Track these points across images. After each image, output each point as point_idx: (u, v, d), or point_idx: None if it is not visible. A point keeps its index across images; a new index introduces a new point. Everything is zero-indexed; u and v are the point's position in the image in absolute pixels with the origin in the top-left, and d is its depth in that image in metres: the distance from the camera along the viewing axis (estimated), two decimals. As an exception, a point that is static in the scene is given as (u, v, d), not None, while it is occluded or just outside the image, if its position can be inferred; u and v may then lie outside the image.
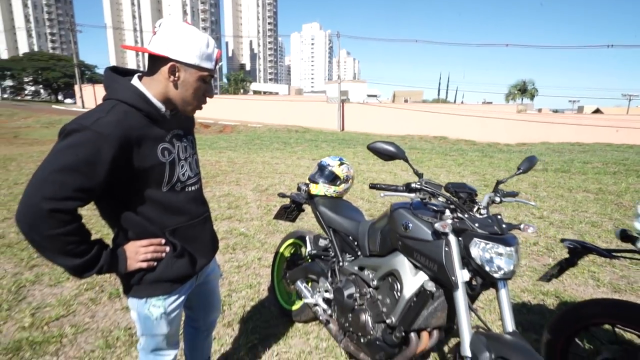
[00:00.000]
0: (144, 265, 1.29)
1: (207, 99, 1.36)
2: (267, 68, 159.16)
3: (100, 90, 37.77)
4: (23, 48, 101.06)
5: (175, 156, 1.32)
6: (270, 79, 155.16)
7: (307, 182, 2.56)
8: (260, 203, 5.73)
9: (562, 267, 2.00)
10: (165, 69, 1.21)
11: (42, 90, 68.54)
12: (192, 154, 1.46)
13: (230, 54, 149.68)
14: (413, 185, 1.73)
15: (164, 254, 1.34)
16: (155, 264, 1.33)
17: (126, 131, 1.15)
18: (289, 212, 2.76)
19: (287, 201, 2.74)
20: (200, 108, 1.37)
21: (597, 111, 41.10)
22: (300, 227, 4.32)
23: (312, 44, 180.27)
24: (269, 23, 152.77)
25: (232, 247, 3.97)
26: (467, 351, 1.49)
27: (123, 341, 2.39)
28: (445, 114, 26.60)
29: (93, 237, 1.22)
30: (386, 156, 1.72)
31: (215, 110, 31.69)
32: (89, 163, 1.09)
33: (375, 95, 61.48)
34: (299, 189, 2.61)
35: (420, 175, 1.76)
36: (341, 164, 2.52)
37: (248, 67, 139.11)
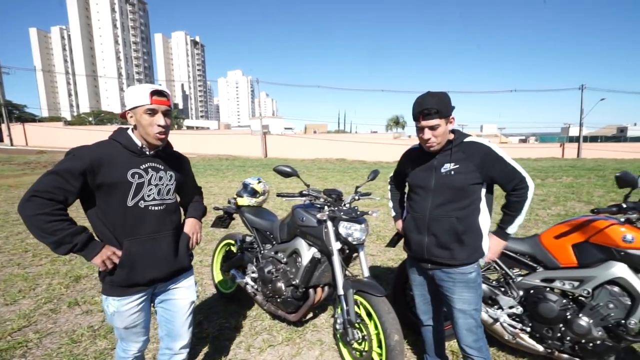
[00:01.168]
0: (101, 264, 1.31)
1: (160, 126, 1.37)
2: (198, 107, 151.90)
3: (30, 129, 32.15)
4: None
5: (145, 180, 1.38)
6: (201, 116, 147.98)
7: (235, 196, 2.86)
8: (199, 219, 5.71)
9: (399, 236, 2.61)
10: (128, 119, 1.40)
11: (-39, 130, 55.78)
12: (167, 184, 1.46)
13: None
14: (303, 192, 2.18)
15: (116, 260, 1.34)
16: (110, 267, 1.34)
17: (100, 154, 1.30)
18: (223, 220, 3.01)
19: (221, 213, 2.99)
20: (160, 135, 1.38)
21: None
22: (231, 232, 4.51)
23: (237, 87, 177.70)
24: (198, 69, 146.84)
25: (176, 254, 3.99)
26: (340, 290, 1.95)
27: (87, 336, 2.37)
28: (344, 141, 28.56)
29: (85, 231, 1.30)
30: (285, 175, 2.13)
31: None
32: (67, 171, 1.25)
33: (291, 128, 62.84)
34: (229, 202, 2.90)
35: (308, 185, 2.21)
36: (259, 182, 2.88)
37: (181, 106, 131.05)
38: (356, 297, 1.95)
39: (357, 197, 2.27)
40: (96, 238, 1.36)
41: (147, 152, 1.42)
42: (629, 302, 1.71)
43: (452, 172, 1.54)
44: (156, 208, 1.43)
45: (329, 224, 2.04)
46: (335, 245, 2.02)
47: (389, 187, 2.07)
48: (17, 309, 2.78)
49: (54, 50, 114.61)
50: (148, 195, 1.40)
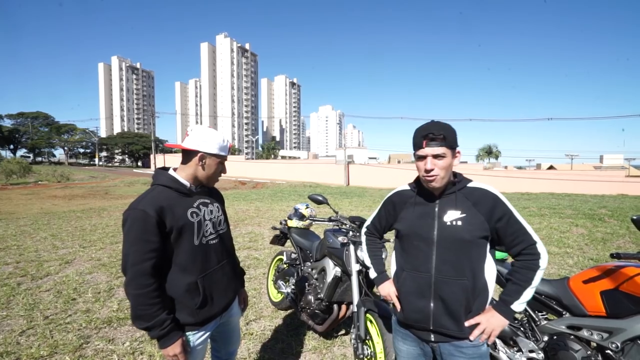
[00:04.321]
0: (170, 357, 1.30)
1: (224, 173, 1.50)
2: (292, 139, 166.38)
3: (168, 158, 40.19)
4: (117, 129, 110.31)
5: (201, 217, 1.41)
6: (294, 147, 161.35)
7: (286, 219, 3.33)
8: (272, 238, 6.42)
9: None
10: (196, 158, 1.39)
11: (127, 159, 73.98)
12: (217, 216, 1.51)
13: (264, 129, 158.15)
14: (332, 218, 2.49)
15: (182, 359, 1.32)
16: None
17: (161, 203, 1.30)
18: (279, 239, 3.50)
19: (278, 232, 3.49)
20: (217, 181, 1.51)
21: (551, 167, 41.03)
22: (285, 248, 4.99)
23: (327, 120, 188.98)
24: (294, 106, 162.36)
25: (247, 266, 4.65)
26: (355, 308, 2.14)
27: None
28: (426, 172, 27.28)
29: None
30: (317, 202, 2.49)
31: (251, 171, 33.43)
32: (144, 232, 1.24)
33: (375, 158, 63.14)
34: (280, 223, 3.38)
35: (336, 212, 2.52)
36: (307, 207, 3.29)
37: (278, 139, 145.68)
38: (368, 315, 2.11)
39: (382, 226, 2.46)
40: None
41: (194, 190, 1.44)
42: None
43: (459, 223, 1.27)
44: (215, 241, 1.47)
45: (351, 247, 2.28)
46: (355, 267, 2.24)
47: (364, 238, 1.67)
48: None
49: (190, 97, 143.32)
50: (207, 231, 1.43)
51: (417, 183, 1.40)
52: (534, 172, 29.32)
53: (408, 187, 1.45)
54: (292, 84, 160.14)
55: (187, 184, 1.41)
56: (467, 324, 1.27)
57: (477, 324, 1.27)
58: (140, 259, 1.23)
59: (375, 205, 11.88)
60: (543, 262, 1.26)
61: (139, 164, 67.23)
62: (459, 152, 1.29)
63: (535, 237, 1.27)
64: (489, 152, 47.47)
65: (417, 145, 1.27)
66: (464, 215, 1.27)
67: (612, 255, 1.64)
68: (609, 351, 1.61)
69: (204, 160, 1.39)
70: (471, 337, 1.26)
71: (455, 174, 1.35)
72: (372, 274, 1.61)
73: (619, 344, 1.58)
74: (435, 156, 1.23)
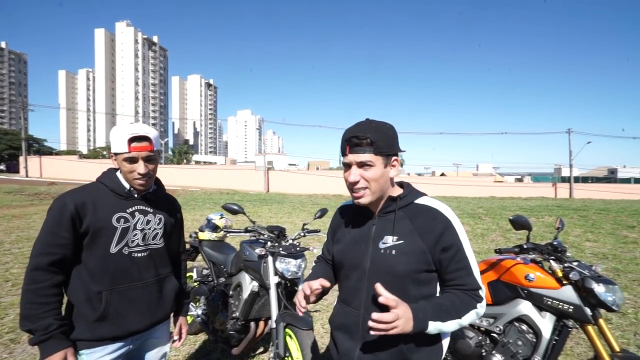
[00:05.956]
0: None
1: (139, 173, 1.26)
2: (208, 143, 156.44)
3: (45, 161, 33.03)
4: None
5: (130, 225, 1.28)
6: (210, 152, 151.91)
7: (197, 231, 2.99)
8: (182, 251, 5.76)
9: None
10: (112, 162, 1.33)
11: (-18, 161, 58.00)
12: (154, 228, 1.35)
13: (176, 132, 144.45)
14: (249, 228, 2.31)
15: None
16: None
17: (84, 199, 1.22)
18: (189, 254, 3.12)
19: (187, 246, 3.10)
20: (140, 181, 1.28)
21: (442, 174, 48.47)
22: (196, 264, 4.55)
23: (245, 125, 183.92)
24: (210, 109, 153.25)
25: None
26: (274, 324, 2.00)
27: (38, 366, 2.39)
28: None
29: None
30: (232, 212, 2.28)
31: (159, 177, 30.01)
32: (55, 224, 1.18)
33: (295, 164, 64.12)
34: (190, 236, 3.02)
35: (253, 222, 2.35)
36: (221, 217, 3.02)
37: (192, 142, 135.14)
38: (287, 330, 1.99)
39: (303, 234, 2.39)
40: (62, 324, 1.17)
41: (135, 195, 1.32)
42: (534, 340, 1.74)
43: (394, 252, 1.01)
44: (140, 255, 1.31)
45: (269, 259, 2.13)
46: (273, 280, 2.10)
47: (312, 265, 1.34)
48: (-21, 337, 2.81)
49: (79, 90, 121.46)
50: (132, 241, 1.29)
51: None
52: (430, 178, 34.23)
53: (350, 201, 1.18)
54: (208, 85, 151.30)
55: (127, 186, 1.32)
56: (383, 299, 0.91)
57: (390, 308, 0.90)
58: (42, 252, 1.16)
59: (295, 212, 11.91)
60: (481, 308, 1.01)
61: (2, 167, 53.51)
62: (396, 161, 1.03)
63: (480, 282, 1.02)
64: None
65: (341, 152, 1.04)
66: (400, 242, 1.01)
67: (495, 251, 1.91)
68: (494, 334, 1.86)
69: (115, 162, 1.31)
70: (373, 316, 0.88)
71: (403, 186, 1.11)
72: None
73: (501, 327, 1.84)
74: (361, 165, 0.99)
